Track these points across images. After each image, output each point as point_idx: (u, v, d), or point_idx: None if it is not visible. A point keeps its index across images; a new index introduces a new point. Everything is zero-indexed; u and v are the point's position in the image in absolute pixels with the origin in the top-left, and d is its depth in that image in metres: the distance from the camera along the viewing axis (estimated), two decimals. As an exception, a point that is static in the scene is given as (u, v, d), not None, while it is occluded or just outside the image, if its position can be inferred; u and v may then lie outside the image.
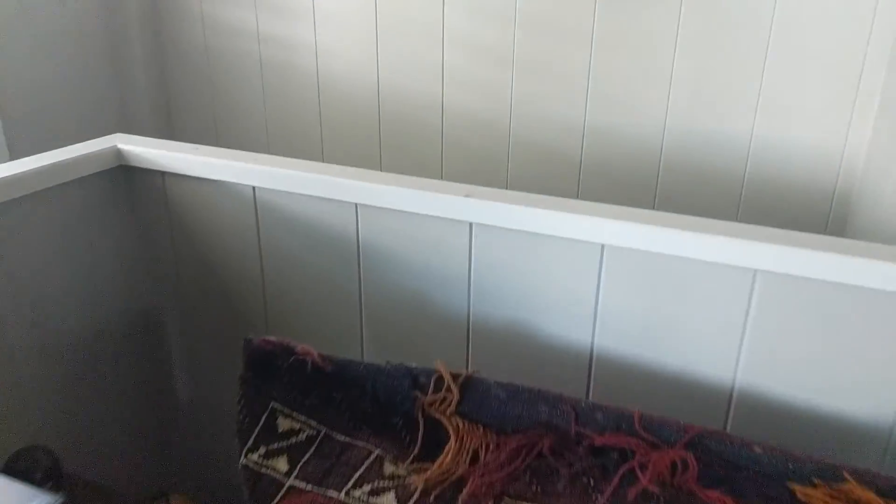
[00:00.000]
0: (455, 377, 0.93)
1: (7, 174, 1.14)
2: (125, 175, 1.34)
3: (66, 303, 1.26)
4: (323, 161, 2.24)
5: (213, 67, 2.34)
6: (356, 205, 1.18)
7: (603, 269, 1.05)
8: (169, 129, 2.46)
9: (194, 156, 1.26)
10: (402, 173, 1.18)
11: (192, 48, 2.35)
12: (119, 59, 2.35)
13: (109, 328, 1.36)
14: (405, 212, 1.14)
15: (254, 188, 1.25)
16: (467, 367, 1.16)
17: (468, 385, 0.93)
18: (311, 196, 1.20)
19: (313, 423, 0.93)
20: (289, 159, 1.25)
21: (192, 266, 1.36)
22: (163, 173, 1.31)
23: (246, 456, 0.91)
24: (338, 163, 2.07)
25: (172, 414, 1.51)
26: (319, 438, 0.92)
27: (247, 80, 2.31)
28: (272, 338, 0.96)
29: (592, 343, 1.09)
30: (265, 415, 0.93)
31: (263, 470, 0.90)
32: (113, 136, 1.37)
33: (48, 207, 1.21)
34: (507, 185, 2.02)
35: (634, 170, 1.86)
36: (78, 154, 1.26)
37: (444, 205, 1.11)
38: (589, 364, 1.10)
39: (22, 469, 0.97)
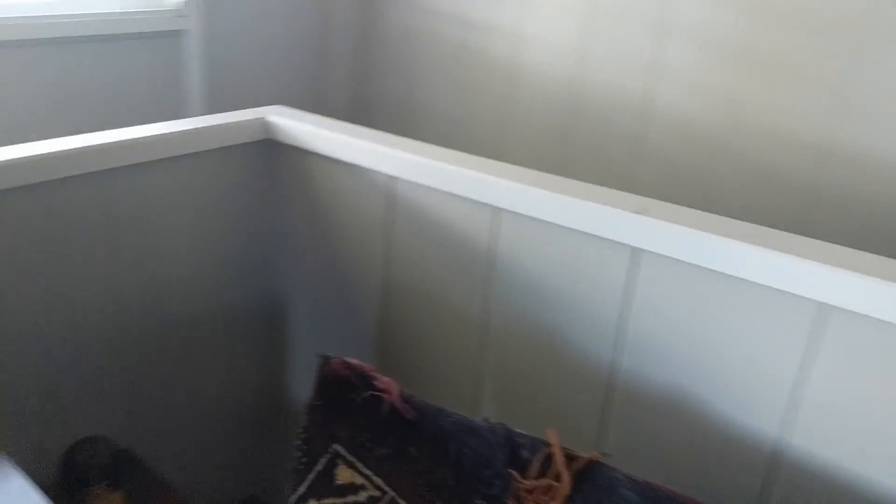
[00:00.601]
0: (570, 459, 0.67)
1: (148, 134, 1.06)
2: (271, 149, 1.23)
3: (192, 280, 1.19)
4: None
5: (408, 51, 2.23)
6: (495, 208, 0.95)
7: (825, 335, 0.72)
8: (358, 113, 2.41)
9: (335, 133, 1.12)
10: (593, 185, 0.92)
11: (392, 28, 2.27)
12: (323, 38, 2.33)
13: (231, 312, 1.27)
14: (554, 224, 0.89)
15: (390, 178, 1.07)
16: (595, 445, 0.88)
17: (587, 474, 0.67)
18: (446, 192, 1.00)
19: (379, 481, 0.73)
20: (427, 146, 1.05)
21: (323, 253, 1.22)
22: (305, 151, 1.18)
23: (293, 505, 0.73)
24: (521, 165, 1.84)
25: (275, 415, 1.40)
26: (382, 504, 0.72)
27: (439, 66, 2.17)
28: (352, 360, 0.77)
29: (781, 440, 0.76)
30: (325, 459, 0.74)
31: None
32: (265, 108, 1.27)
33: (190, 174, 1.14)
34: (715, 211, 1.66)
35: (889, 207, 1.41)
36: (226, 122, 1.17)
37: (606, 221, 0.84)
38: (772, 464, 0.77)
39: (79, 462, 0.88)
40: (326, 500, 0.73)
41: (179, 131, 1.10)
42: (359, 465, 0.74)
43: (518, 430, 0.71)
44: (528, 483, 0.67)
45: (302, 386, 1.33)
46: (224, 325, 1.25)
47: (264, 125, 1.21)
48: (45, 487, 1.03)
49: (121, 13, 1.87)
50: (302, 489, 0.73)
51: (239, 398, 1.32)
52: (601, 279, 0.86)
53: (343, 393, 0.75)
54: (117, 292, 1.08)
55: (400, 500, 0.72)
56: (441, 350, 1.07)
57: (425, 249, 1.05)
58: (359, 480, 0.74)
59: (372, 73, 2.38)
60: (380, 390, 0.73)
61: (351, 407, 0.75)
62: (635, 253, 0.84)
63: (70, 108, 1.83)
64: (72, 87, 1.82)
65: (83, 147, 0.99)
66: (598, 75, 1.83)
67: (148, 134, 1.07)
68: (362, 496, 0.72)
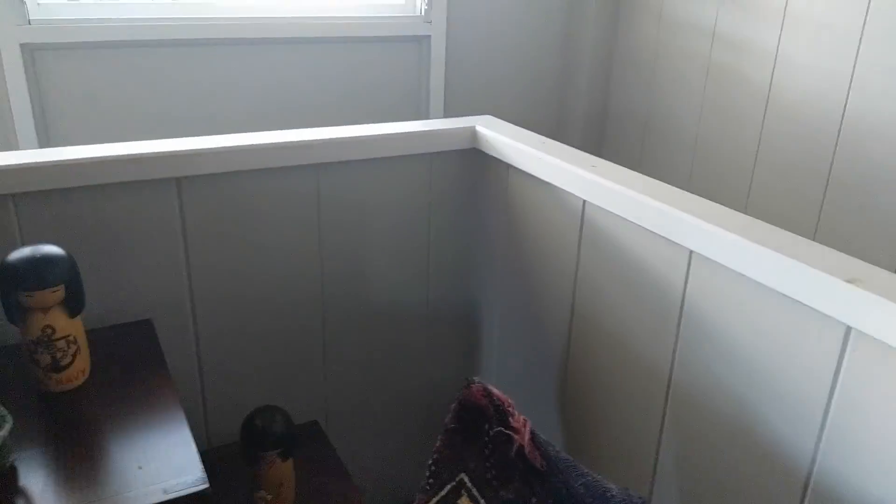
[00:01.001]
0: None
1: (361, 134, 1.12)
2: (477, 158, 1.24)
3: (394, 274, 1.23)
4: (747, 204, 1.84)
5: (655, 66, 2.11)
6: (690, 252, 0.85)
7: None
8: (596, 128, 2.34)
9: (530, 148, 1.09)
10: (848, 244, 0.80)
11: (638, 42, 2.16)
12: (567, 51, 2.30)
13: (429, 309, 1.29)
14: (752, 280, 0.78)
15: (584, 202, 1.01)
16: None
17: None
18: (639, 227, 0.92)
19: (498, 524, 0.69)
20: (621, 171, 0.97)
21: (517, 264, 1.20)
22: (507, 165, 1.16)
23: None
24: (768, 210, 1.69)
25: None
26: (496, 549, 0.67)
27: (686, 83, 2.03)
28: (494, 390, 0.73)
29: None
30: (450, 486, 0.72)
31: (419, 553, 0.70)
32: (476, 117, 1.28)
33: (401, 175, 1.18)
34: None
35: None
36: (438, 128, 1.20)
37: (815, 288, 0.71)
38: None
39: (257, 428, 0.95)
40: (443, 530, 0.71)
41: (393, 134, 1.14)
42: (482, 501, 0.71)
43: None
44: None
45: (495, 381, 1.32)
46: (421, 320, 1.28)
47: (472, 134, 1.22)
48: (225, 447, 1.14)
49: (373, 17, 2.01)
50: (422, 511, 0.72)
51: (426, 393, 1.35)
52: (808, 359, 0.73)
53: (478, 421, 0.72)
54: (323, 276, 1.16)
55: (514, 551, 0.67)
56: (620, 396, 0.99)
57: (611, 282, 0.98)
58: (478, 517, 0.70)
59: (615, 87, 2.30)
60: (511, 428, 0.69)
61: (483, 438, 0.72)
62: (849, 334, 0.70)
63: (320, 102, 2.01)
64: (324, 81, 2.00)
65: (299, 141, 1.07)
66: (871, 105, 1.57)
67: (361, 134, 1.13)
68: (478, 535, 0.69)
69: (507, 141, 1.14)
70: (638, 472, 0.98)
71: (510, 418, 0.70)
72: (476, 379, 0.74)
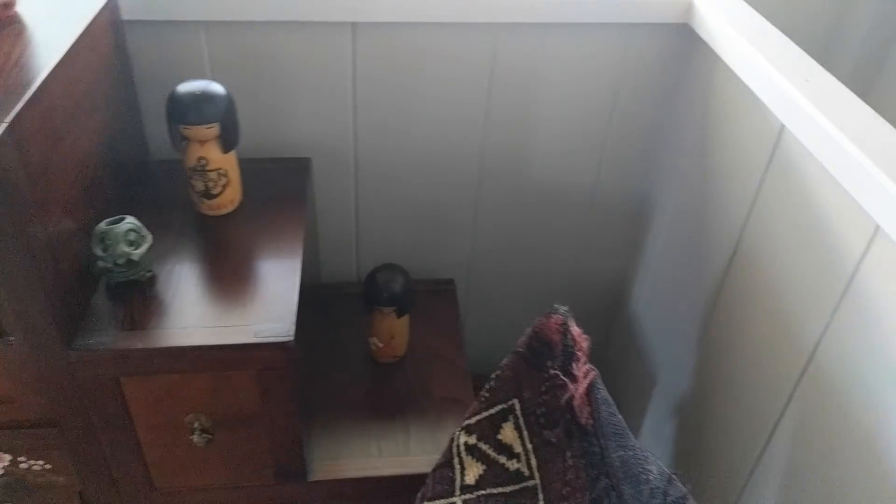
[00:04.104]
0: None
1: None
2: (684, 39, 1.06)
3: (561, 153, 1.15)
4: None
5: None
6: (877, 227, 0.67)
7: None
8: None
9: (744, 40, 0.89)
10: None
11: None
12: None
13: (594, 195, 1.21)
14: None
15: (781, 127, 0.83)
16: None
17: None
18: (831, 177, 0.74)
19: (533, 462, 0.67)
20: (843, 96, 0.76)
21: (698, 173, 1.06)
22: (716, 56, 0.97)
23: (457, 432, 0.72)
24: None
25: (614, 317, 1.33)
26: (523, 486, 0.66)
27: None
28: (574, 328, 0.68)
29: None
30: (501, 406, 0.70)
31: (455, 461, 0.71)
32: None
33: (582, 45, 1.05)
34: None
35: None
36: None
37: None
38: None
39: (378, 280, 1.00)
40: (482, 446, 0.70)
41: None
42: (525, 433, 0.69)
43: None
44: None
45: (647, 293, 1.25)
46: (583, 206, 1.21)
47: (688, 7, 1.03)
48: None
49: None
50: (472, 419, 0.72)
51: (569, 280, 1.31)
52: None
53: (544, 355, 0.68)
54: (485, 143, 1.12)
55: (540, 494, 0.65)
56: (758, 353, 0.87)
57: (785, 228, 0.82)
58: (517, 448, 0.69)
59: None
60: (570, 375, 0.64)
61: (543, 374, 0.68)
62: None
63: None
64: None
65: (476, -2, 0.98)
66: None
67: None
68: (512, 466, 0.68)
69: (723, 24, 0.94)
70: (749, 439, 0.88)
71: (574, 363, 0.64)
72: (562, 309, 0.69)
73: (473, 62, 1.04)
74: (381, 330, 1.02)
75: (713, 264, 0.98)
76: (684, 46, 1.05)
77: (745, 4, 1.00)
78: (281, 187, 1.00)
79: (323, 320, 1.15)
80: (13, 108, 0.66)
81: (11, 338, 0.75)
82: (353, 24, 1.00)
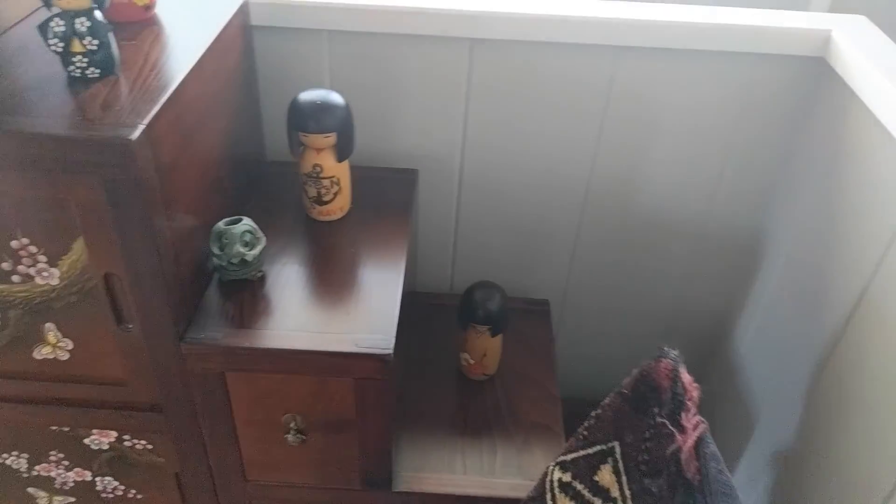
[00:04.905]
0: None
1: (674, 18, 0.97)
2: (821, 74, 1.00)
3: (675, 182, 1.11)
4: None
5: None
6: None
7: None
8: None
9: (890, 83, 0.83)
10: None
11: None
12: None
13: (705, 228, 1.16)
14: None
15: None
16: None
17: None
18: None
19: (630, 509, 0.64)
20: None
21: (824, 212, 1.00)
22: (852, 93, 0.92)
23: (552, 467, 0.71)
24: None
25: (711, 358, 1.28)
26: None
27: None
28: (684, 374, 0.65)
29: None
30: (599, 447, 0.69)
31: (548, 496, 0.69)
32: (842, 16, 1.01)
33: (708, 72, 1.01)
34: None
35: None
36: (777, 25, 0.98)
37: None
38: None
39: (475, 298, 0.99)
40: (577, 485, 0.69)
41: (710, 24, 0.97)
42: (624, 478, 0.67)
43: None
44: None
45: (753, 333, 1.20)
46: (692, 235, 1.17)
47: (825, 40, 0.98)
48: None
49: None
50: (568, 456, 0.70)
51: (669, 311, 1.27)
52: None
53: (651, 400, 0.66)
54: (594, 166, 1.10)
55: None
56: (878, 418, 0.82)
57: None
58: (614, 493, 0.67)
59: None
60: (679, 426, 0.62)
61: (649, 420, 0.66)
62: None
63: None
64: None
65: (596, 18, 0.96)
66: None
67: (670, 18, 0.97)
68: (606, 510, 0.66)
69: (862, 60, 0.89)
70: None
71: (683, 413, 0.62)
72: (672, 353, 0.66)
73: (590, 83, 1.02)
74: (474, 347, 1.02)
75: (832, 313, 0.92)
76: (817, 80, 1.00)
77: (888, 40, 0.94)
78: (388, 197, 1.02)
79: (415, 329, 1.15)
80: (150, 110, 0.70)
81: (130, 325, 0.79)
82: (472, 41, 1.00)
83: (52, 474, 0.98)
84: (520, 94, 1.04)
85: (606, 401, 0.70)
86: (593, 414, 0.70)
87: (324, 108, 0.88)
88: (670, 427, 0.62)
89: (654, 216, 1.14)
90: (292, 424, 0.85)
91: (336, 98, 0.89)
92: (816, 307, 0.97)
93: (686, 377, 0.64)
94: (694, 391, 0.63)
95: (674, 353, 0.66)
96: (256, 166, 1.07)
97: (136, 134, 0.66)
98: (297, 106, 0.88)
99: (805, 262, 1.01)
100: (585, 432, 0.70)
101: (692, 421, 0.61)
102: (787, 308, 1.06)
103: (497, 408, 1.03)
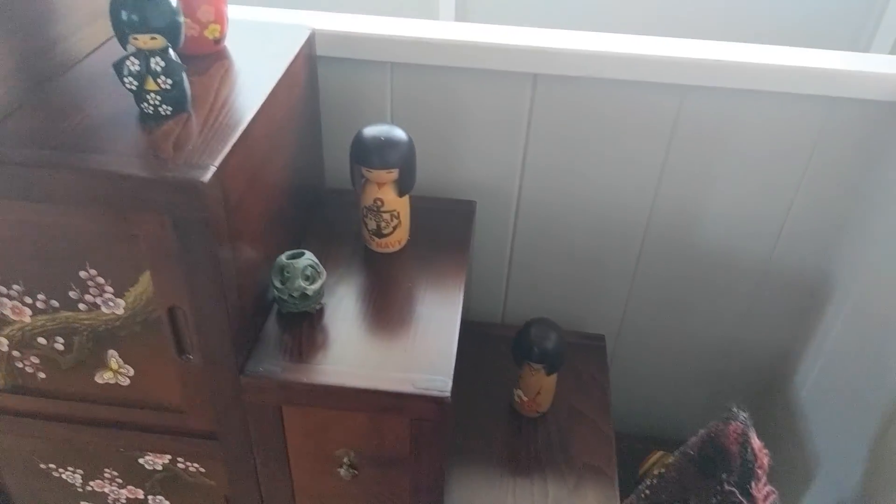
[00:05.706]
0: None
1: (743, 59, 0.94)
2: (892, 116, 0.97)
3: (734, 223, 1.09)
4: None
5: None
6: None
7: None
8: None
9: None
10: None
11: None
12: None
13: (763, 270, 1.13)
14: None
15: None
16: None
17: None
18: None
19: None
20: None
21: (892, 259, 0.97)
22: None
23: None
24: None
25: (770, 407, 1.24)
26: None
27: None
28: (754, 438, 0.63)
29: None
30: (662, 507, 0.67)
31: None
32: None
33: (783, 116, 0.98)
34: None
35: None
36: (848, 68, 0.94)
37: None
38: None
39: (531, 335, 0.98)
40: (637, 544, 0.67)
41: (780, 66, 0.95)
42: (686, 542, 0.65)
43: None
44: None
45: (814, 378, 1.16)
46: (753, 275, 1.14)
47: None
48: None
49: None
50: (628, 513, 0.69)
51: (726, 353, 1.23)
52: None
53: (719, 465, 0.64)
54: (655, 203, 1.08)
55: None
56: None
57: None
58: (674, 555, 0.65)
59: None
60: (749, 496, 0.60)
61: (716, 485, 0.64)
62: None
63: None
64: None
65: (662, 57, 0.95)
66: None
67: (739, 59, 0.95)
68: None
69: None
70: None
71: (754, 483, 0.60)
72: (742, 416, 0.64)
73: (654, 121, 1.00)
74: (528, 384, 1.01)
75: (904, 368, 0.89)
76: (893, 124, 0.96)
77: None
78: (446, 230, 1.01)
79: (466, 358, 1.15)
80: (221, 150, 0.70)
81: (191, 356, 0.80)
82: (535, 76, 0.99)
83: (106, 490, 1.00)
84: (581, 128, 1.02)
85: (671, 461, 0.68)
86: (656, 473, 0.68)
87: (387, 143, 0.88)
88: (739, 497, 0.60)
89: (715, 253, 1.12)
90: (345, 459, 0.85)
91: (399, 134, 0.89)
92: (884, 355, 0.93)
93: (756, 442, 0.62)
94: (764, 458, 0.61)
95: (743, 415, 0.64)
96: (316, 193, 1.08)
97: (207, 176, 0.67)
98: (360, 141, 0.89)
99: (873, 312, 0.98)
100: (647, 491, 0.68)
101: (762, 491, 0.59)
102: (852, 355, 1.02)
103: (549, 447, 1.01)
